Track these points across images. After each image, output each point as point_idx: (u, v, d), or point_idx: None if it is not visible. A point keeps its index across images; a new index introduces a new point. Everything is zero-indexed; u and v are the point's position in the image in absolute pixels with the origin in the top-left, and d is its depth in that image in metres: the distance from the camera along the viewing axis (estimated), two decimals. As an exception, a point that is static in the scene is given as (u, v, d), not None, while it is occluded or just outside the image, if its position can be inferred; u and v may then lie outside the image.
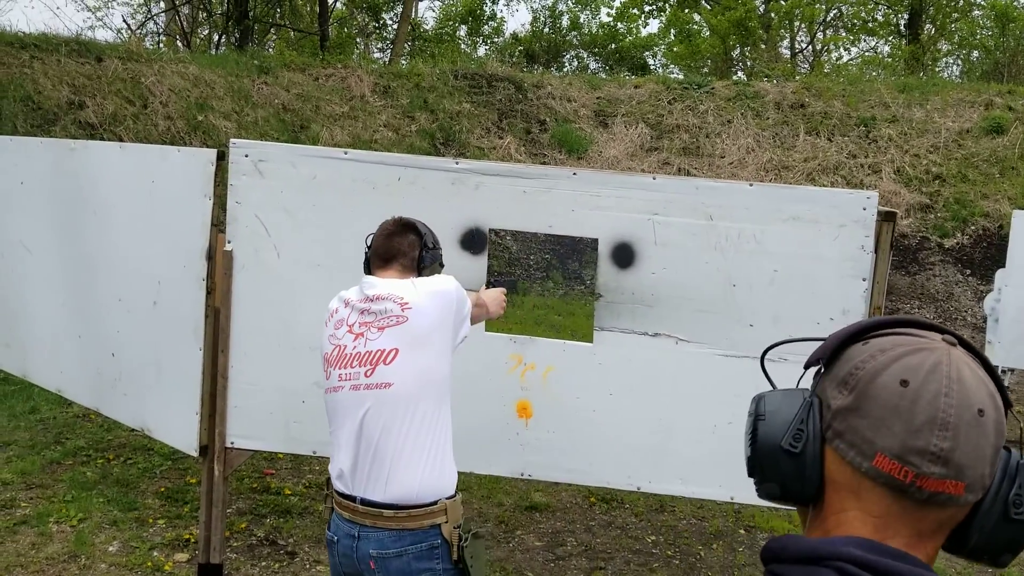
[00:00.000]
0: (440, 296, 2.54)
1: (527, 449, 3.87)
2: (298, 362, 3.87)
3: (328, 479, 2.62)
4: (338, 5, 23.74)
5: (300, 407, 3.88)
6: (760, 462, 0.97)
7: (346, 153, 3.82)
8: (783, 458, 0.94)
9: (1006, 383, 9.63)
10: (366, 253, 2.74)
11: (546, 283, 12.87)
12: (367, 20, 25.19)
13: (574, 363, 3.83)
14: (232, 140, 3.87)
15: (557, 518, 5.33)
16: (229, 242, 3.83)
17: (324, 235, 3.83)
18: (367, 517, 2.41)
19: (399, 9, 23.23)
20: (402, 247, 2.63)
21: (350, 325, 2.55)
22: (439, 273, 2.71)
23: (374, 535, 2.40)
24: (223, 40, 20.17)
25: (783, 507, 3.95)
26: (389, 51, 23.07)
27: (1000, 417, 0.88)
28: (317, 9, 21.47)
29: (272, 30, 23.49)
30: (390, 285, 2.54)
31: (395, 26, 23.78)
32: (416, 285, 2.54)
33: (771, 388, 1.02)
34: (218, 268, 3.82)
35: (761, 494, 0.99)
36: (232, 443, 3.91)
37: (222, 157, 3.84)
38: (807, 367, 0.97)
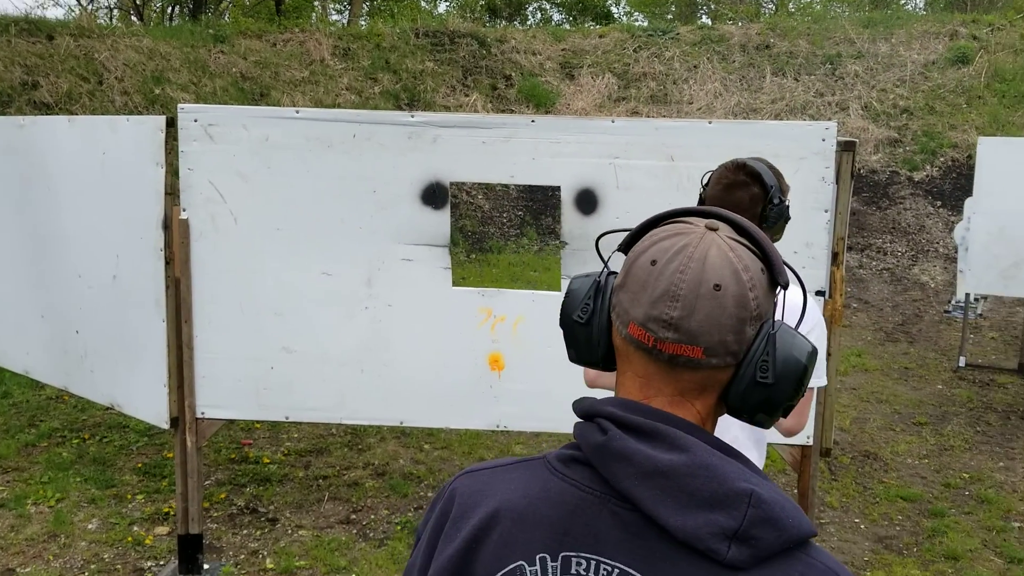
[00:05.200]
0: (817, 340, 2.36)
1: (501, 401, 3.86)
2: (264, 328, 3.83)
3: None
4: (294, -31, 23.24)
5: (269, 374, 3.85)
6: (564, 331, 1.11)
7: (298, 112, 3.75)
8: (576, 327, 1.08)
9: (979, 311, 9.72)
10: (700, 195, 2.39)
11: (520, 240, 12.83)
12: (324, -17, 24.73)
13: (544, 313, 3.81)
14: (180, 105, 3.78)
15: (538, 469, 5.35)
16: (184, 210, 3.76)
17: (281, 197, 3.76)
18: None
19: (356, -30, 22.78)
20: (743, 202, 2.28)
21: None
22: (782, 230, 2.37)
23: None
24: (176, 11, 19.74)
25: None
26: (347, 12, 22.67)
27: (744, 292, 0.96)
28: (272, -26, 21.04)
29: (227, -2, 23.00)
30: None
31: (353, -13, 23.34)
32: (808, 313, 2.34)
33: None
34: (175, 237, 3.75)
35: (570, 358, 1.12)
36: (203, 413, 3.87)
37: (172, 124, 3.75)
38: (621, 250, 1.09)
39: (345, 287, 3.82)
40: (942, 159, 13.66)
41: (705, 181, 2.39)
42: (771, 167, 2.34)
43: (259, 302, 3.82)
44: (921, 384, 7.33)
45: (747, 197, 2.28)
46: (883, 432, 6.17)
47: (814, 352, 1.01)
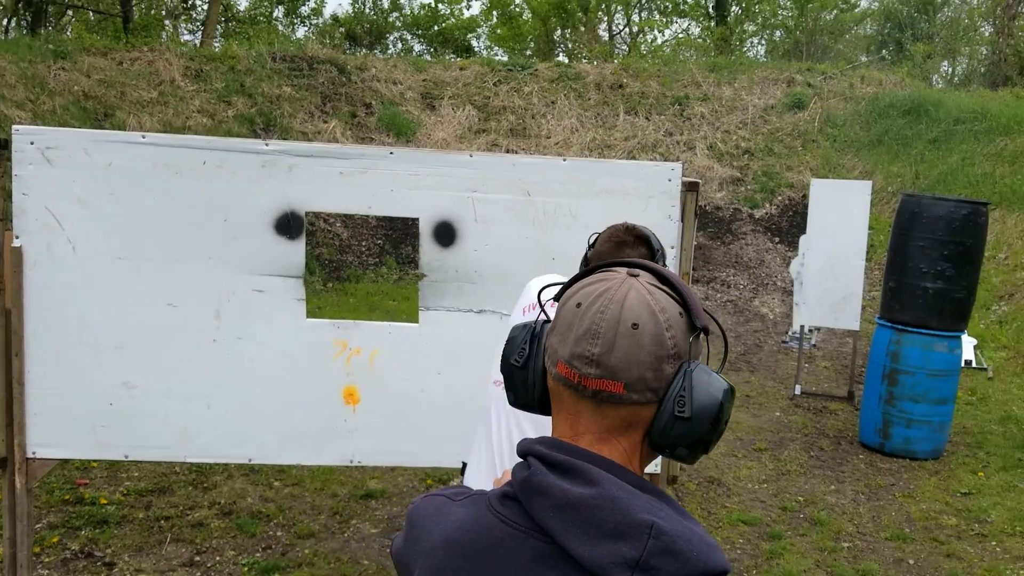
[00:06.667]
0: None
1: (356, 435, 3.80)
2: (102, 363, 3.63)
3: None
4: (144, -15, 22.45)
5: (107, 410, 3.65)
6: (504, 376, 1.20)
7: (144, 137, 3.60)
8: (515, 371, 1.18)
9: (813, 341, 10.33)
10: (586, 253, 2.60)
11: (380, 269, 12.71)
12: (175, 0, 23.93)
13: (400, 345, 3.79)
14: (15, 127, 3.56)
15: (393, 503, 5.29)
16: (17, 237, 3.53)
17: (124, 226, 3.60)
18: None
19: (211, -11, 22.18)
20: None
21: None
22: None
23: None
24: (13, 24, 18.65)
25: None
26: (200, 33, 22.02)
27: (660, 331, 1.04)
28: (120, -11, 20.20)
29: (69, 12, 21.91)
30: None
31: (205, 7, 22.72)
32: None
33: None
34: (6, 266, 3.52)
35: (509, 402, 1.20)
36: (34, 453, 3.63)
37: (5, 146, 3.53)
38: (554, 300, 1.16)
39: (192, 319, 3.68)
40: (780, 198, 14.52)
41: (592, 241, 2.60)
42: (653, 234, 2.57)
43: (98, 335, 3.63)
44: (761, 411, 7.71)
45: (636, 255, 2.45)
46: (726, 458, 6.45)
47: (730, 390, 1.09)
